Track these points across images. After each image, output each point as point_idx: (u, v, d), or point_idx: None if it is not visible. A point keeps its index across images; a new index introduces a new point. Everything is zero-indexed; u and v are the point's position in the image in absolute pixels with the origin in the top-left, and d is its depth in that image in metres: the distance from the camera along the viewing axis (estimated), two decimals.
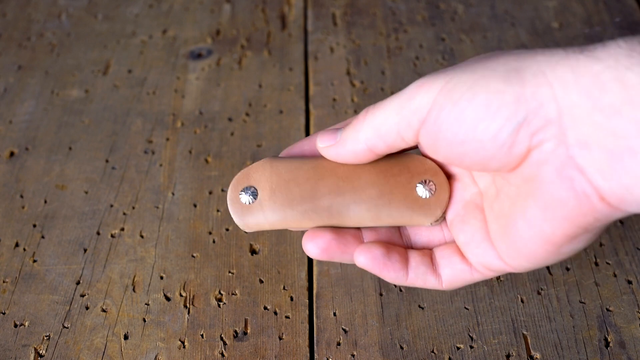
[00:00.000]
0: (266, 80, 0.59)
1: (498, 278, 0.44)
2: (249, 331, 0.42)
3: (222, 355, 0.41)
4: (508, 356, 0.40)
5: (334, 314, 0.43)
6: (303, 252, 0.46)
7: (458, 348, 0.41)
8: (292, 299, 0.44)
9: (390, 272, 0.34)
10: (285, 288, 0.44)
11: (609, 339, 0.41)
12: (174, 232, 0.48)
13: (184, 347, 0.42)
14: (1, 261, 0.47)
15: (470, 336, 0.41)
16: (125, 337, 0.42)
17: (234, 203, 0.35)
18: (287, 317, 0.43)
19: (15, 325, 0.43)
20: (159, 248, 0.47)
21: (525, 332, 0.41)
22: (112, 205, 0.50)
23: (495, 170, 0.30)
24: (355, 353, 0.41)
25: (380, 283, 0.44)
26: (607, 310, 0.42)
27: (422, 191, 0.34)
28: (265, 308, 0.43)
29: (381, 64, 0.60)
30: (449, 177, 0.35)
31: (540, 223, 0.29)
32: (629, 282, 0.44)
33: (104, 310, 0.44)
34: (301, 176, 0.34)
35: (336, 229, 0.34)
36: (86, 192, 0.51)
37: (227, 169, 0.52)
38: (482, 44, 0.61)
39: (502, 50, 0.31)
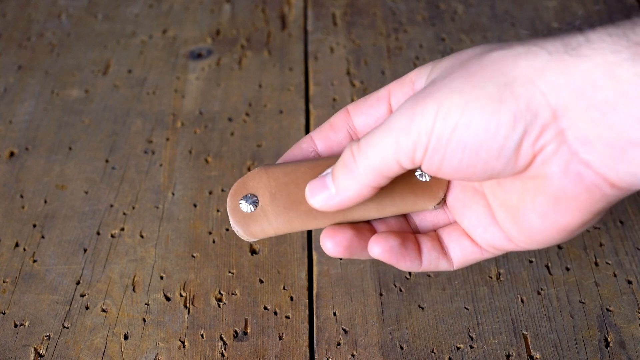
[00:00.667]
0: (266, 80, 0.59)
1: (498, 278, 0.44)
2: (249, 331, 0.42)
3: (222, 355, 0.41)
4: (508, 356, 0.40)
5: (334, 314, 0.43)
6: (303, 252, 0.46)
7: (458, 348, 0.41)
8: (292, 299, 0.44)
9: (407, 262, 0.33)
10: (285, 288, 0.44)
11: (609, 339, 0.41)
12: (174, 232, 0.48)
13: (184, 347, 0.42)
14: (1, 261, 0.47)
15: (470, 336, 0.41)
16: (125, 337, 0.42)
17: (235, 213, 0.34)
18: (287, 317, 0.43)
19: (15, 325, 0.43)
20: (159, 248, 0.47)
21: (525, 332, 0.41)
22: (112, 205, 0.50)
23: (504, 178, 0.30)
24: (355, 353, 0.41)
25: (380, 283, 0.44)
26: (607, 310, 0.42)
27: (421, 175, 0.34)
28: (265, 308, 0.43)
29: (381, 64, 0.60)
30: None
31: (554, 215, 0.29)
32: (629, 282, 0.44)
33: (104, 310, 0.44)
34: (299, 177, 0.34)
35: (354, 225, 0.34)
36: (86, 192, 0.51)
37: (227, 169, 0.52)
38: (482, 44, 0.61)
39: (480, 47, 0.30)
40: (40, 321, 0.43)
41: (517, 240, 0.32)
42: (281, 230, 0.34)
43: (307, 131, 0.55)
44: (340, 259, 0.46)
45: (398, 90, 0.34)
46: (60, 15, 0.67)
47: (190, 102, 0.57)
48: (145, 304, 0.44)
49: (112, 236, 0.48)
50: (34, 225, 0.49)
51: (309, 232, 0.48)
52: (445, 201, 0.35)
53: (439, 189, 0.34)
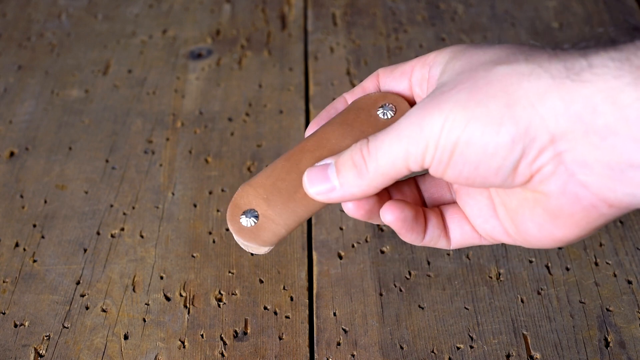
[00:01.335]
0: (266, 80, 0.59)
1: (498, 278, 0.44)
2: (249, 331, 0.42)
3: (222, 355, 0.41)
4: (508, 356, 0.40)
5: (334, 314, 0.43)
6: (303, 252, 0.46)
7: (458, 348, 0.41)
8: (292, 299, 0.44)
9: (414, 234, 0.34)
10: (285, 288, 0.44)
11: (609, 339, 0.41)
12: (174, 232, 0.48)
13: (184, 347, 0.42)
14: (1, 261, 0.47)
15: (470, 336, 0.41)
16: (125, 337, 0.42)
17: (241, 233, 0.33)
18: (287, 317, 0.43)
19: (15, 325, 0.43)
20: (159, 248, 0.47)
21: (525, 332, 0.41)
22: (112, 205, 0.50)
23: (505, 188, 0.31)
24: (355, 353, 0.41)
25: (380, 283, 0.44)
26: (607, 310, 0.42)
27: (382, 114, 0.35)
28: (265, 308, 0.43)
29: (381, 64, 0.60)
30: None
31: (550, 228, 0.30)
32: (629, 282, 0.44)
33: (104, 310, 0.44)
34: (280, 173, 0.34)
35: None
36: (86, 192, 0.51)
37: (227, 169, 0.52)
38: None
39: (488, 53, 0.30)
40: (40, 321, 0.43)
41: (514, 238, 0.33)
42: (291, 225, 0.34)
43: None
44: (340, 259, 0.46)
45: (418, 70, 0.35)
46: (60, 15, 0.67)
47: (190, 102, 0.57)
48: (145, 304, 0.44)
49: (112, 236, 0.48)
50: (34, 225, 0.49)
51: (309, 233, 0.48)
52: None
53: None
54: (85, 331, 0.43)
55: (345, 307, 0.43)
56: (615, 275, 0.44)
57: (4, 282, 0.45)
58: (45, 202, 0.50)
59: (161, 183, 0.51)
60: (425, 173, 0.35)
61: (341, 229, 0.47)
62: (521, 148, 0.28)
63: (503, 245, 0.46)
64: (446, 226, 0.35)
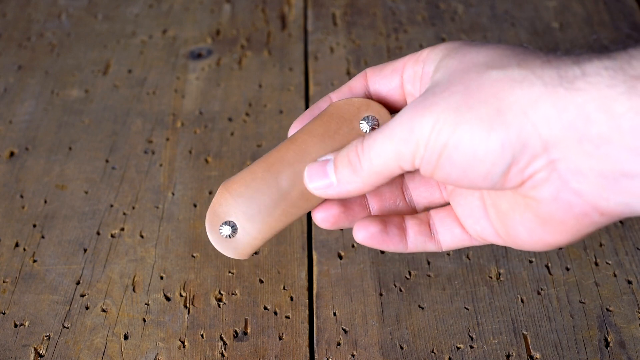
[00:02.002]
0: (266, 80, 0.59)
1: (498, 278, 0.44)
2: (249, 331, 0.42)
3: (222, 355, 0.41)
4: (508, 356, 0.40)
5: (334, 314, 0.43)
6: (303, 252, 0.46)
7: (458, 348, 0.41)
8: (292, 299, 0.44)
9: (390, 246, 0.34)
10: (285, 288, 0.44)
11: (609, 339, 0.41)
12: (174, 232, 0.48)
13: (184, 347, 0.42)
14: (1, 261, 0.47)
15: (470, 336, 0.41)
16: (125, 337, 0.42)
17: (221, 244, 0.35)
18: (287, 317, 0.43)
19: (15, 325, 0.43)
20: (159, 248, 0.47)
21: (525, 332, 0.41)
22: (112, 205, 0.50)
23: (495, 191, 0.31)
24: (355, 353, 0.41)
25: (380, 283, 0.44)
26: (607, 310, 0.42)
27: (365, 127, 0.35)
28: (265, 308, 0.43)
29: (381, 63, 0.60)
30: None
31: (540, 233, 0.30)
32: (629, 282, 0.44)
33: (104, 310, 0.44)
34: (260, 185, 0.35)
35: (343, 202, 0.35)
36: (86, 192, 0.51)
37: (227, 169, 0.52)
38: None
39: (481, 55, 0.30)
40: (40, 321, 0.43)
41: (504, 240, 0.32)
42: (267, 238, 0.35)
43: None
44: (340, 259, 0.46)
45: (411, 67, 0.35)
46: (60, 15, 0.67)
47: (190, 102, 0.57)
48: (145, 304, 0.44)
49: (112, 236, 0.48)
50: (34, 225, 0.49)
51: (309, 233, 0.48)
52: None
53: None
54: (85, 331, 0.43)
55: (345, 307, 0.43)
56: (615, 275, 0.44)
57: (4, 282, 0.45)
58: (45, 202, 0.50)
59: (161, 183, 0.51)
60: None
61: (341, 229, 0.47)
62: (511, 154, 0.28)
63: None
64: (432, 230, 0.35)
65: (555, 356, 0.40)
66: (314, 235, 0.47)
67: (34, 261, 0.47)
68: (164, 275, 0.45)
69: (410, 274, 0.45)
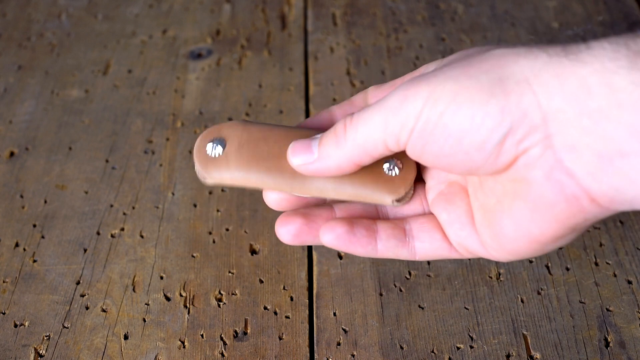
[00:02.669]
0: (266, 80, 0.59)
1: (498, 278, 0.44)
2: (249, 331, 0.42)
3: (222, 355, 0.41)
4: (508, 356, 0.40)
5: (334, 314, 0.43)
6: (303, 252, 0.46)
7: (458, 348, 0.41)
8: (292, 299, 0.44)
9: (358, 248, 0.33)
10: (285, 288, 0.44)
11: (609, 339, 0.41)
12: (174, 232, 0.48)
13: (184, 347, 0.42)
14: (1, 261, 0.47)
15: (470, 336, 0.41)
16: (125, 337, 0.42)
17: (199, 153, 0.34)
18: (287, 317, 0.43)
19: (15, 325, 0.43)
20: (159, 248, 0.47)
21: (525, 332, 0.41)
22: (112, 205, 0.50)
23: (483, 175, 0.30)
24: (355, 353, 0.41)
25: (380, 283, 0.44)
26: (607, 310, 0.42)
27: (388, 168, 0.34)
28: (265, 308, 0.43)
29: (381, 64, 0.60)
30: None
31: (528, 224, 0.29)
32: (629, 282, 0.44)
33: (104, 310, 0.44)
34: (271, 137, 0.34)
35: (307, 213, 0.34)
36: (86, 192, 0.51)
37: None
38: (482, 44, 0.61)
39: (486, 46, 0.30)
40: (40, 321, 0.43)
41: (489, 246, 0.32)
42: (237, 181, 0.34)
43: None
44: (340, 259, 0.46)
45: (409, 76, 0.35)
46: (60, 15, 0.67)
47: (190, 102, 0.57)
48: (145, 304, 0.44)
49: (112, 236, 0.48)
50: (34, 225, 0.49)
51: None
52: (408, 200, 0.35)
53: (402, 186, 0.34)
54: (85, 331, 0.43)
55: (345, 307, 0.43)
56: (615, 275, 0.44)
57: (4, 282, 0.45)
58: (45, 202, 0.50)
59: (161, 183, 0.51)
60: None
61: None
62: (509, 122, 0.27)
63: None
64: (407, 236, 0.34)
65: (555, 356, 0.40)
66: None
67: (34, 261, 0.47)
68: (164, 275, 0.45)
69: (410, 274, 0.45)
